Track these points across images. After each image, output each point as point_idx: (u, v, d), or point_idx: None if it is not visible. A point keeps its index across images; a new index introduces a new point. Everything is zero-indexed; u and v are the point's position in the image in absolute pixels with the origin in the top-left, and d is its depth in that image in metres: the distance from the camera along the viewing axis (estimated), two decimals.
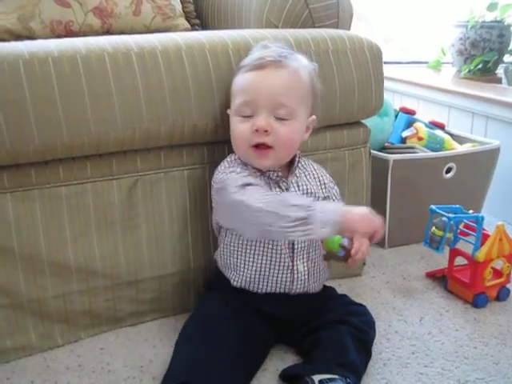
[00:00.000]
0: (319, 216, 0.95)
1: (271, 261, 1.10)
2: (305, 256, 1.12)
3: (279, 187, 1.11)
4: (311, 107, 1.13)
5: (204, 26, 1.78)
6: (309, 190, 1.14)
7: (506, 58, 2.72)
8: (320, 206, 0.97)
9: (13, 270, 1.08)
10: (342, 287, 1.38)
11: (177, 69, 1.10)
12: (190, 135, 1.14)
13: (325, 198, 1.17)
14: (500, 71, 2.66)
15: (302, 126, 1.12)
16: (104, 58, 1.04)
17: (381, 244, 1.65)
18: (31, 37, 1.47)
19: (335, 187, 1.21)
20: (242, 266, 1.12)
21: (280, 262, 1.10)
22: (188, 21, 1.74)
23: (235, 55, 1.14)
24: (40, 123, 0.99)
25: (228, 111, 1.13)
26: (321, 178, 1.18)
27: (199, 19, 1.79)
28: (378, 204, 1.54)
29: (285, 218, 0.96)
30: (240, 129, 1.08)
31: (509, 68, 2.50)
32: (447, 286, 1.40)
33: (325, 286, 1.21)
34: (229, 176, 1.07)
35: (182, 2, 1.74)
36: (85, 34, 1.53)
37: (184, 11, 1.74)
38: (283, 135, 1.07)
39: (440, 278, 1.45)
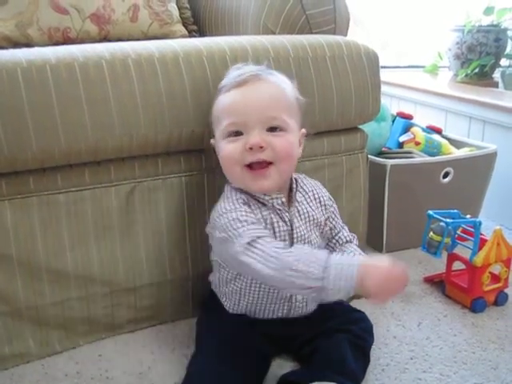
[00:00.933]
0: (333, 283, 0.91)
1: (268, 291, 1.08)
2: None
3: (283, 220, 1.06)
4: (299, 120, 1.09)
5: (201, 32, 1.79)
6: (310, 217, 1.10)
7: (503, 62, 2.74)
8: (334, 273, 0.90)
9: (11, 276, 1.08)
10: None
11: (174, 75, 1.10)
12: (188, 142, 1.14)
13: (326, 219, 1.14)
14: (497, 75, 2.66)
15: (296, 138, 1.06)
16: (102, 64, 1.04)
17: (378, 249, 1.65)
18: (29, 44, 1.48)
19: (334, 205, 1.17)
20: (238, 297, 1.10)
21: (279, 295, 1.08)
22: (185, 27, 1.74)
23: (233, 62, 1.14)
24: (38, 130, 1.00)
25: (212, 141, 1.09)
26: (321, 198, 1.14)
27: (196, 25, 1.80)
28: (375, 209, 1.55)
29: (298, 286, 0.93)
30: (230, 149, 1.01)
31: (505, 72, 2.51)
32: (445, 290, 1.40)
33: None
34: (232, 224, 0.99)
35: (179, 9, 1.74)
36: (82, 41, 1.53)
37: (181, 17, 1.74)
38: (281, 147, 1.01)
39: (438, 283, 1.45)
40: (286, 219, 1.07)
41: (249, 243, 0.95)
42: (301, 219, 1.09)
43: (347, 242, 1.17)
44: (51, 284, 1.12)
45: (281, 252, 0.94)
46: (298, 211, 1.09)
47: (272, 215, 1.05)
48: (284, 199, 1.07)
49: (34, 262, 1.09)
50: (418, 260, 1.59)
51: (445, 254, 1.39)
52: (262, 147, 1.00)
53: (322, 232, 1.14)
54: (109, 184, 1.12)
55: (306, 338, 1.10)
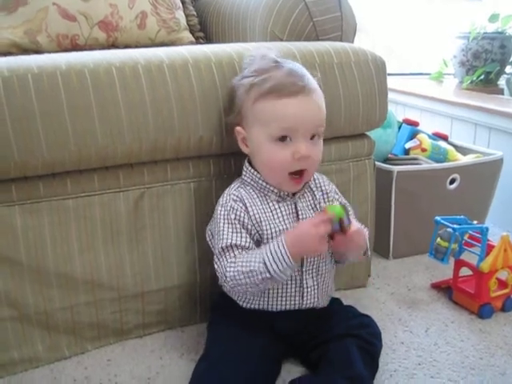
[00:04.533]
0: (275, 268, 0.99)
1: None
2: (314, 271, 1.12)
3: (287, 206, 1.11)
4: None
5: (208, 39, 1.80)
6: (315, 203, 1.15)
7: (508, 69, 2.74)
8: (268, 256, 1.00)
9: (20, 281, 1.09)
10: (347, 299, 1.37)
11: (183, 82, 1.10)
12: (197, 148, 1.15)
13: None
14: (502, 82, 2.67)
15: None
16: (112, 71, 1.05)
17: (385, 255, 1.65)
18: (38, 51, 1.49)
19: (340, 199, 1.20)
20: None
21: (289, 278, 1.10)
22: (192, 34, 1.75)
23: (241, 68, 1.15)
24: (48, 136, 1.00)
25: (238, 129, 1.10)
26: (322, 187, 1.18)
27: (203, 32, 1.81)
28: (382, 215, 1.55)
29: (257, 282, 1.02)
30: (280, 157, 1.05)
31: (511, 79, 2.51)
32: (452, 296, 1.40)
33: (331, 299, 1.21)
34: (221, 221, 1.08)
35: (186, 16, 1.76)
36: (90, 48, 1.55)
37: (188, 24, 1.75)
38: (317, 158, 1.09)
39: (445, 289, 1.45)
40: (291, 204, 1.12)
41: (224, 248, 1.06)
42: (305, 205, 1.14)
43: None
44: (60, 289, 1.12)
45: (240, 261, 1.04)
46: (303, 199, 1.14)
47: (277, 202, 1.11)
48: None
49: (43, 266, 1.09)
50: (425, 266, 1.60)
51: (452, 260, 1.39)
52: (307, 157, 1.06)
53: None
54: (117, 189, 1.13)
55: (314, 342, 1.10)
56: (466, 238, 1.38)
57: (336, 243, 1.05)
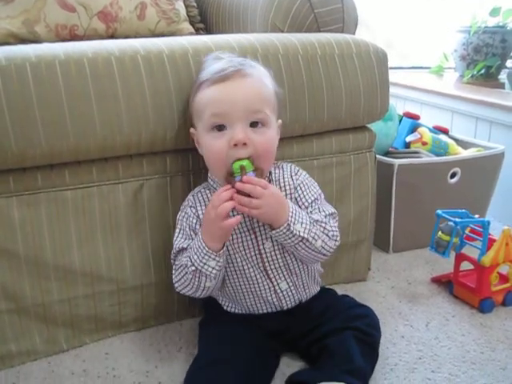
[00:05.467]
0: (194, 257, 1.01)
1: (251, 287, 1.10)
2: (284, 273, 1.10)
3: None
4: (277, 112, 1.08)
5: (208, 30, 1.78)
6: None
7: (509, 63, 2.73)
8: (191, 249, 1.02)
9: (18, 274, 1.08)
10: (347, 292, 1.36)
11: (183, 72, 1.09)
12: None
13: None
14: (503, 76, 2.66)
15: (275, 132, 1.06)
16: (111, 61, 1.04)
17: (385, 249, 1.65)
18: (36, 41, 1.47)
19: (308, 195, 1.10)
20: (228, 296, 1.13)
21: (260, 286, 1.09)
22: (192, 25, 1.74)
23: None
24: (46, 126, 0.99)
25: (191, 131, 1.07)
26: (287, 187, 1.10)
27: (203, 23, 1.79)
28: (382, 209, 1.54)
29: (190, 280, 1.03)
30: (215, 146, 1.00)
31: None
32: (453, 290, 1.39)
33: (325, 289, 1.20)
34: (177, 225, 1.10)
35: (186, 7, 1.74)
36: (89, 38, 1.52)
37: (188, 15, 1.74)
38: (261, 145, 1.00)
39: (445, 283, 1.44)
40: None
41: (177, 252, 1.07)
42: None
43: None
44: (58, 281, 1.11)
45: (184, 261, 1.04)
46: None
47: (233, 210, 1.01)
48: None
49: (41, 259, 1.09)
50: (425, 260, 1.59)
51: (452, 254, 1.38)
52: (245, 144, 0.99)
53: None
54: (117, 181, 1.12)
55: (312, 338, 1.09)
56: (467, 231, 1.37)
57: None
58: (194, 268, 1.01)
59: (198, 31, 1.76)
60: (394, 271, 1.54)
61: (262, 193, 0.97)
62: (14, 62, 0.97)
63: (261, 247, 1.08)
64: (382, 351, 1.13)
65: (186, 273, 1.02)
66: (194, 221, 1.07)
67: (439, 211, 1.37)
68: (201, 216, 1.06)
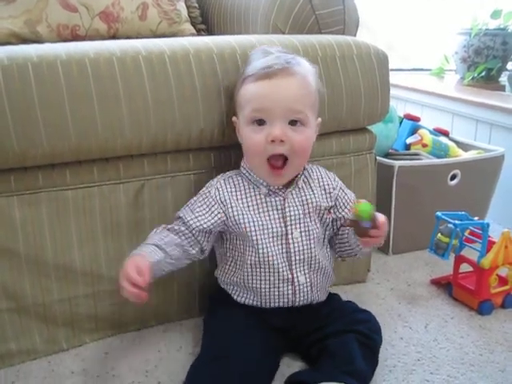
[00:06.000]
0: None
1: (271, 276, 1.10)
2: (305, 267, 1.12)
3: (275, 200, 1.11)
4: (317, 110, 1.12)
5: (210, 31, 1.79)
6: (308, 201, 1.12)
7: (510, 65, 2.74)
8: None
9: (18, 273, 1.08)
10: (347, 294, 1.37)
11: (185, 73, 1.10)
12: (197, 140, 1.14)
13: (330, 208, 1.15)
14: (503, 79, 2.66)
15: (313, 131, 1.11)
16: (112, 61, 1.04)
17: (385, 250, 1.65)
18: (38, 41, 1.47)
19: (347, 196, 1.18)
20: (243, 284, 1.12)
21: (279, 276, 1.10)
22: (194, 26, 1.74)
23: (243, 60, 1.14)
24: (48, 126, 0.99)
25: (234, 119, 1.12)
26: (326, 186, 1.16)
27: (205, 24, 1.80)
28: (382, 210, 1.54)
29: None
30: (254, 140, 1.05)
31: None
32: (452, 292, 1.40)
33: (330, 294, 1.20)
34: (197, 196, 1.12)
35: (187, 7, 1.74)
36: (91, 39, 1.53)
37: (190, 16, 1.74)
38: (299, 144, 1.05)
39: (445, 285, 1.44)
40: (279, 200, 1.11)
41: (175, 218, 1.11)
42: (296, 202, 1.12)
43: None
44: (59, 281, 1.11)
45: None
46: (295, 194, 1.12)
47: (266, 195, 1.11)
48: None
49: (42, 258, 1.09)
50: (425, 262, 1.59)
51: (452, 256, 1.38)
52: (282, 141, 1.03)
53: (321, 219, 1.15)
54: (118, 181, 1.12)
55: (314, 337, 1.10)
56: (466, 233, 1.37)
57: (372, 240, 1.05)
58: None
59: (199, 32, 1.76)
60: (393, 273, 1.54)
61: (386, 229, 1.05)
62: (16, 62, 0.97)
63: (289, 236, 1.10)
64: (381, 353, 1.12)
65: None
66: (213, 203, 1.09)
67: (439, 213, 1.37)
68: (223, 200, 1.09)
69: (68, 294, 1.13)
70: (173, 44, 1.13)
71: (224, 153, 1.21)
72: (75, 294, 1.14)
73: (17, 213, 1.05)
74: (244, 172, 1.13)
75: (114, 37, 1.59)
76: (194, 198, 1.11)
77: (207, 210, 1.09)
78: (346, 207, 1.16)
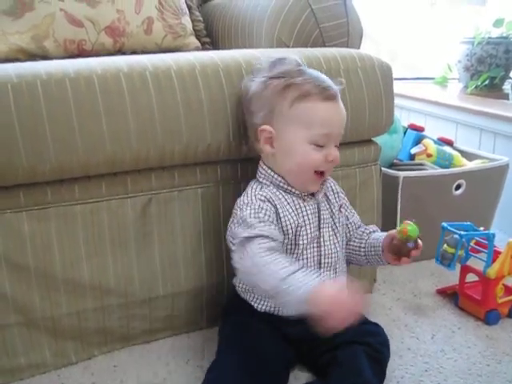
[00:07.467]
0: (283, 297, 0.97)
1: None
2: (331, 271, 1.14)
3: (310, 206, 1.13)
4: None
5: (214, 44, 1.80)
6: (331, 204, 1.17)
7: None
8: (286, 289, 0.95)
9: (28, 287, 1.09)
10: None
11: (191, 88, 1.11)
12: (204, 154, 1.15)
13: (340, 206, 1.20)
14: (507, 87, 2.67)
15: None
16: (120, 77, 1.05)
17: None
18: (45, 56, 1.49)
19: (345, 198, 1.24)
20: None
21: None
22: (198, 39, 1.76)
23: (249, 74, 1.15)
24: (57, 142, 1.00)
25: (266, 127, 1.08)
26: (333, 187, 1.21)
27: (209, 38, 1.81)
28: (388, 221, 1.55)
29: (259, 286, 1.02)
30: (314, 158, 1.08)
31: None
32: (458, 302, 1.40)
33: None
34: (244, 214, 1.06)
35: (192, 21, 1.76)
36: (97, 53, 1.55)
37: (194, 30, 1.76)
38: (337, 162, 1.12)
39: (451, 295, 1.45)
40: (313, 205, 1.14)
41: (245, 238, 1.03)
42: (325, 206, 1.16)
43: (359, 226, 1.24)
44: (67, 294, 1.12)
45: (257, 253, 1.00)
46: (322, 199, 1.16)
47: (300, 201, 1.12)
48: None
49: (51, 272, 1.10)
50: (431, 272, 1.60)
51: (458, 266, 1.39)
52: (333, 161, 1.10)
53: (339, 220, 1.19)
54: (125, 195, 1.13)
55: (323, 348, 1.10)
56: (472, 244, 1.38)
57: (408, 260, 1.11)
58: (273, 295, 1.01)
59: (203, 45, 1.77)
60: (399, 283, 1.54)
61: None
62: (25, 80, 0.99)
63: (321, 239, 1.13)
64: (389, 363, 1.12)
65: (264, 282, 0.99)
66: (272, 214, 1.08)
67: (444, 224, 1.38)
68: (278, 208, 1.09)
69: (77, 307, 1.14)
70: (179, 59, 1.14)
71: (231, 166, 1.21)
72: (84, 307, 1.14)
73: (26, 228, 1.06)
74: (267, 183, 1.12)
75: (119, 51, 1.61)
76: (248, 220, 1.05)
77: (270, 219, 1.07)
78: (348, 207, 1.23)
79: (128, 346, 1.23)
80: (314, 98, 1.07)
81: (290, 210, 1.10)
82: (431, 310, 1.40)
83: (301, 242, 1.10)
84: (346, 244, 1.21)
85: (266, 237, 1.03)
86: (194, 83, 1.11)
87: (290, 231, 1.09)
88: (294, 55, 1.16)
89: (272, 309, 1.12)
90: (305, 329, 1.09)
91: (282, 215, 1.09)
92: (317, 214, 1.13)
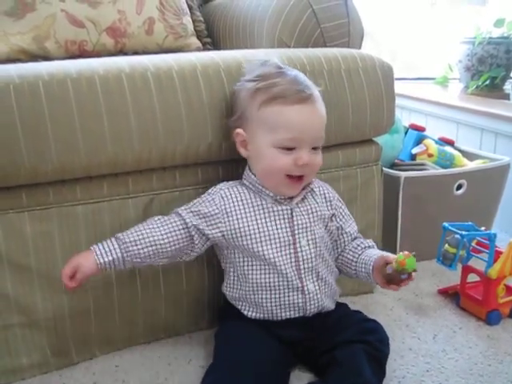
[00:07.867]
0: None
1: (280, 286, 1.10)
2: (314, 275, 1.13)
3: (282, 209, 1.12)
4: None
5: (215, 44, 1.80)
6: (313, 210, 1.15)
7: None
8: None
9: (30, 288, 1.09)
10: (354, 305, 1.38)
11: (192, 88, 1.11)
12: (205, 154, 1.15)
13: (332, 216, 1.18)
14: (508, 87, 2.67)
15: None
16: (121, 78, 1.05)
17: None
18: (46, 57, 1.50)
19: (343, 206, 1.22)
20: (253, 297, 1.12)
21: (289, 284, 1.10)
22: (199, 40, 1.76)
23: None
24: (59, 143, 1.01)
25: (239, 131, 1.10)
26: (326, 195, 1.19)
27: (211, 38, 1.81)
28: (389, 221, 1.55)
29: None
30: (282, 162, 1.07)
31: None
32: (460, 303, 1.40)
33: (338, 304, 1.21)
34: (199, 198, 1.13)
35: (193, 21, 1.76)
36: (98, 54, 1.55)
37: (195, 30, 1.76)
38: (316, 166, 1.12)
39: (452, 295, 1.45)
40: (286, 209, 1.12)
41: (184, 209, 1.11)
42: (302, 211, 1.14)
43: (355, 238, 1.22)
44: (69, 295, 1.12)
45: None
46: (301, 204, 1.15)
47: (273, 205, 1.12)
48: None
49: (53, 272, 1.09)
50: (432, 272, 1.60)
51: (459, 267, 1.39)
52: (307, 165, 1.07)
53: (326, 226, 1.17)
54: (127, 196, 1.13)
55: (322, 348, 1.10)
56: (473, 244, 1.38)
57: (396, 287, 1.11)
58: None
59: (205, 46, 1.78)
60: None
61: None
62: (27, 80, 0.99)
63: (297, 245, 1.11)
64: (390, 364, 1.13)
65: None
66: (217, 211, 1.10)
67: (446, 224, 1.38)
68: (228, 210, 1.10)
69: (78, 307, 1.14)
70: (180, 59, 1.14)
71: (232, 166, 1.22)
72: (86, 307, 1.14)
73: (28, 228, 1.06)
74: (247, 184, 1.14)
75: (121, 51, 1.61)
76: (195, 200, 1.12)
77: (209, 218, 1.10)
78: (343, 217, 1.21)
79: (130, 346, 1.22)
80: (282, 101, 1.06)
81: (255, 215, 1.11)
82: (432, 310, 1.40)
83: (267, 247, 1.10)
84: (339, 254, 1.21)
85: (184, 221, 1.09)
86: (196, 83, 1.11)
87: (253, 237, 1.10)
88: (275, 58, 1.15)
89: (261, 315, 1.13)
90: (297, 330, 1.11)
91: (240, 220, 1.10)
92: (289, 220, 1.12)
